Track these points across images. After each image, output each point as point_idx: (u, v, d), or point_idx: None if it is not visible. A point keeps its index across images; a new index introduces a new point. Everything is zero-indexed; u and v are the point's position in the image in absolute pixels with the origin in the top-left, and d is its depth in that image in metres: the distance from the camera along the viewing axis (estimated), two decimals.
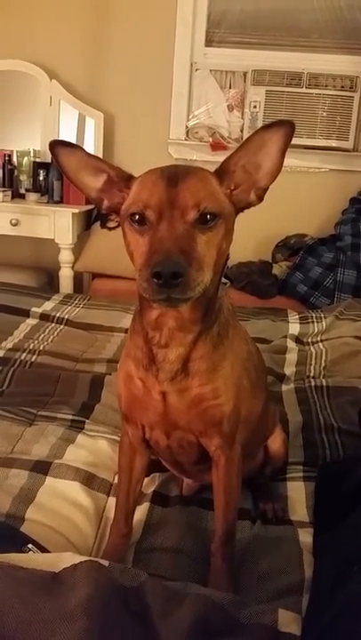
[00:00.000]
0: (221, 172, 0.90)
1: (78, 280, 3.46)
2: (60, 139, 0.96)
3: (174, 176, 0.84)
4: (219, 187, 0.89)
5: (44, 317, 2.29)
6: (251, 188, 0.91)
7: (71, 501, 1.19)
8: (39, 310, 2.34)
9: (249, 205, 0.92)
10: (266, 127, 0.87)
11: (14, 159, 3.38)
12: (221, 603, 0.86)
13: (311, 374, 1.94)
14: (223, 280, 0.98)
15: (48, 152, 3.27)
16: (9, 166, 3.33)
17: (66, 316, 2.34)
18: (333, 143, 3.38)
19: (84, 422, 1.50)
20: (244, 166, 0.90)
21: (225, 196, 0.89)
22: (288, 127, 0.87)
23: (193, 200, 0.82)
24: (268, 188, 0.91)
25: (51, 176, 3.25)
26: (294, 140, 0.89)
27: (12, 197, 3.28)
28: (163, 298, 0.80)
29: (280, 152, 0.88)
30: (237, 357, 1.02)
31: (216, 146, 3.42)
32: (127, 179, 0.91)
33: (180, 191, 0.82)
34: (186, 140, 3.49)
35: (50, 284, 3.54)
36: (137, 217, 0.84)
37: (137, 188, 0.88)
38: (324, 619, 0.83)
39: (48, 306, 2.43)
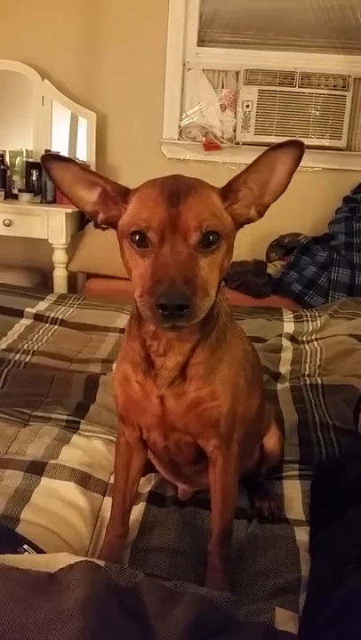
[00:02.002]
0: (228, 191, 0.88)
1: (72, 280, 3.45)
2: (53, 152, 0.94)
3: (175, 193, 0.82)
4: (221, 204, 0.87)
5: (38, 318, 2.29)
6: (252, 204, 0.89)
7: (67, 502, 1.18)
8: (33, 310, 2.33)
9: (249, 221, 0.91)
10: (276, 147, 0.86)
11: (7, 159, 3.37)
12: (218, 602, 0.86)
13: (306, 373, 1.94)
14: None
15: (41, 152, 3.27)
16: (1, 166, 3.32)
17: (60, 317, 2.33)
18: (326, 142, 3.38)
19: (78, 422, 1.49)
20: (249, 183, 0.88)
21: (227, 214, 0.87)
22: (298, 148, 0.86)
23: (196, 222, 0.81)
24: (269, 205, 0.90)
25: (44, 176, 3.24)
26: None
27: (5, 197, 3.27)
28: (167, 326, 0.80)
29: (288, 172, 0.87)
30: (234, 358, 1.02)
31: (209, 145, 3.42)
32: (124, 192, 0.89)
33: (182, 211, 0.80)
34: (179, 139, 3.49)
35: (44, 284, 3.53)
36: (137, 237, 0.83)
37: (136, 205, 0.86)
38: (320, 617, 0.83)
39: (42, 306, 2.42)
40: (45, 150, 3.29)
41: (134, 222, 0.83)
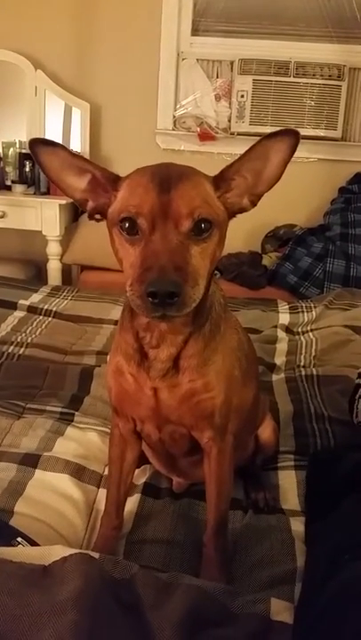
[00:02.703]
0: (220, 180, 0.87)
1: (67, 272, 3.43)
2: (41, 137, 0.91)
3: (166, 180, 0.80)
4: (213, 192, 0.85)
5: (32, 310, 2.27)
6: (245, 193, 0.88)
7: (61, 494, 1.18)
8: (27, 303, 2.32)
9: (242, 210, 0.89)
10: (270, 136, 0.84)
11: (0, 150, 3.34)
12: (214, 593, 0.86)
13: (301, 364, 1.94)
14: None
15: None
16: None
17: (54, 309, 2.32)
18: (322, 132, 3.36)
19: (73, 414, 1.48)
20: (242, 172, 0.87)
21: (219, 203, 0.86)
22: (293, 137, 0.84)
23: (187, 209, 0.79)
24: (263, 194, 0.89)
25: (37, 167, 3.21)
26: None
27: None
28: (157, 315, 0.78)
29: (282, 162, 0.85)
30: (229, 349, 1.01)
31: (204, 136, 3.40)
32: (114, 180, 0.87)
33: (173, 198, 0.78)
34: (173, 130, 3.46)
35: (38, 276, 3.52)
36: (127, 225, 0.81)
37: (126, 192, 0.84)
38: (316, 607, 0.83)
39: (36, 298, 2.41)
40: None
41: (124, 208, 0.82)
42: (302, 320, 2.37)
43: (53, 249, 3.21)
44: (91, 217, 0.93)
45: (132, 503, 1.18)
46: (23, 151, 3.33)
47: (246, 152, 0.86)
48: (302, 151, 3.33)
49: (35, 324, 2.15)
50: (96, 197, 0.89)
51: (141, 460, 1.22)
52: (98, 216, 0.91)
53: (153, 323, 0.91)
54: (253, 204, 0.90)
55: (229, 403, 1.01)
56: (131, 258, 0.81)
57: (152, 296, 0.75)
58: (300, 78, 3.30)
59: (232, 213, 0.89)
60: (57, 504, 1.15)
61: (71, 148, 3.31)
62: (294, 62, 3.28)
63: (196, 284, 0.79)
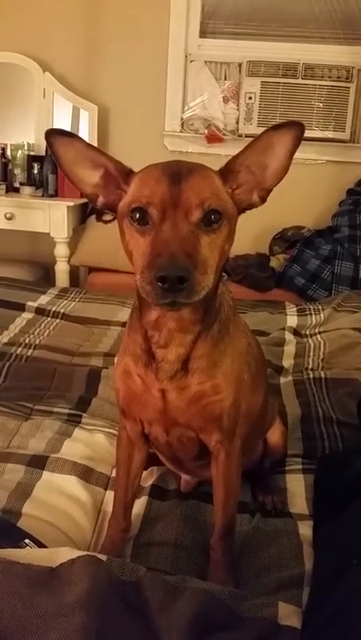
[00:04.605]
0: (226, 172, 0.87)
1: (74, 274, 3.44)
2: (57, 127, 0.91)
3: (177, 173, 0.81)
4: (222, 186, 0.86)
5: (40, 311, 2.28)
6: (254, 189, 0.88)
7: (68, 496, 1.18)
8: (35, 304, 2.32)
9: (251, 206, 0.90)
10: (275, 128, 0.84)
11: (8, 152, 3.36)
12: (221, 596, 0.86)
13: (310, 366, 1.93)
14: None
15: (42, 145, 3.19)
16: (3, 160, 3.30)
17: (62, 310, 2.32)
18: (330, 134, 3.36)
19: (80, 416, 1.49)
20: (249, 166, 0.87)
21: (228, 196, 0.86)
22: (298, 129, 0.84)
23: (197, 199, 0.80)
24: (272, 189, 0.89)
25: (45, 169, 3.23)
26: None
27: (7, 191, 3.25)
28: (167, 302, 0.78)
29: (288, 154, 0.85)
30: (238, 352, 1.01)
31: (212, 138, 3.40)
32: (127, 174, 0.87)
33: (183, 190, 0.80)
34: (181, 132, 3.47)
35: (46, 278, 3.53)
36: (138, 215, 0.81)
37: (137, 185, 0.85)
38: (324, 612, 0.82)
39: (44, 300, 2.41)
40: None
41: (135, 199, 0.82)
42: (310, 322, 2.36)
43: (61, 251, 3.21)
44: (99, 216, 0.93)
45: (139, 505, 1.18)
46: (31, 153, 3.34)
47: (250, 144, 0.86)
48: (310, 153, 3.34)
49: (42, 325, 2.16)
50: (107, 193, 0.89)
51: (149, 462, 1.22)
52: (107, 217, 0.91)
53: (162, 320, 0.91)
54: (263, 199, 0.90)
55: (238, 406, 1.00)
56: (141, 248, 0.81)
57: (162, 281, 0.75)
58: (309, 80, 3.30)
59: (241, 209, 0.90)
60: (64, 506, 1.15)
61: None
62: (303, 64, 3.28)
63: (205, 272, 0.79)
